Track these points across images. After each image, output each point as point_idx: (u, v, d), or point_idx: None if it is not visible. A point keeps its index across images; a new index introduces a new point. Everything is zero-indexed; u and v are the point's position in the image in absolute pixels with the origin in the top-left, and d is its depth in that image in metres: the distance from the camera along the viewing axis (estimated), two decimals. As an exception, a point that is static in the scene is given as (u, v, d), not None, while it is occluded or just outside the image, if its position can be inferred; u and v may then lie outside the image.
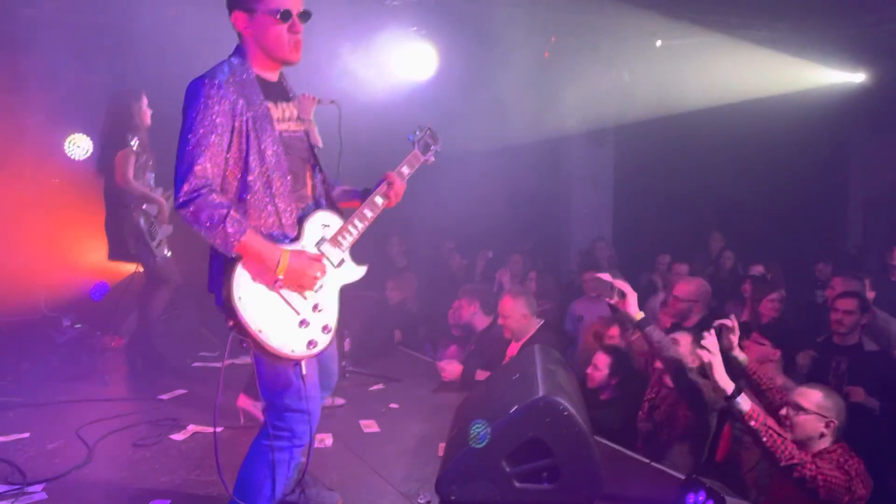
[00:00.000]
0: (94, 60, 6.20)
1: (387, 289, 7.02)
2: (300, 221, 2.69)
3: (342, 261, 2.75)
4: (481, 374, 4.96)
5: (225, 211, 2.44)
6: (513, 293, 5.12)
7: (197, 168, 2.46)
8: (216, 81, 2.52)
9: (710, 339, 3.22)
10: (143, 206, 5.20)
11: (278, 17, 2.55)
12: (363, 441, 4.16)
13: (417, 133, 3.07)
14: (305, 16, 2.62)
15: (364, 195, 2.91)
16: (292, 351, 2.56)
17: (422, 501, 3.31)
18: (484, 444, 3.08)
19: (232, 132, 2.54)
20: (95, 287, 6.19)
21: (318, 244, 2.70)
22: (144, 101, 5.25)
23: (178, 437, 4.11)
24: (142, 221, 5.18)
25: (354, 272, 2.80)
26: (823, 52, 8.00)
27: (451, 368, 5.14)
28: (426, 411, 4.68)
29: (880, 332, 5.26)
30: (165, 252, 5.37)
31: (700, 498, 2.98)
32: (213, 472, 3.58)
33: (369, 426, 4.38)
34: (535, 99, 7.60)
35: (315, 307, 2.63)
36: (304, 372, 2.62)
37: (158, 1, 5.87)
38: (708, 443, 3.98)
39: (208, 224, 2.43)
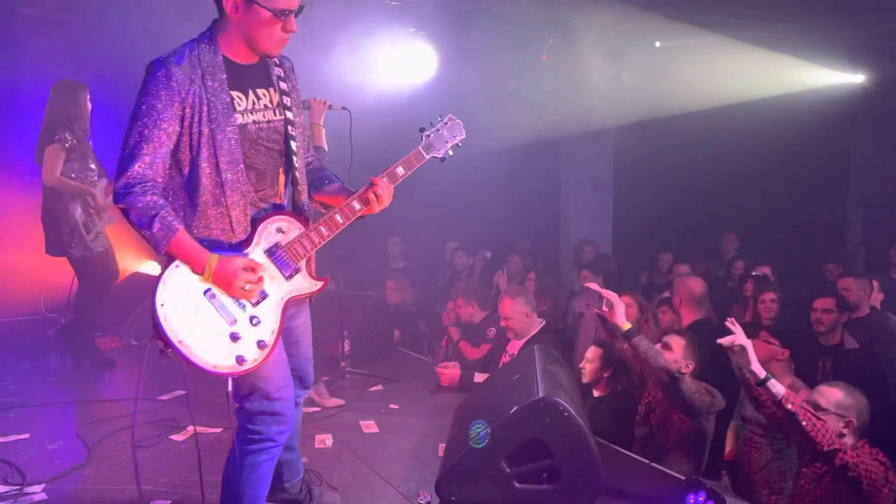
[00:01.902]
0: (93, 60, 6.19)
1: (386, 289, 7.03)
2: (254, 224, 2.51)
3: (296, 271, 2.53)
4: (479, 377, 4.96)
5: (154, 212, 2.32)
6: (511, 293, 5.11)
7: (135, 166, 2.33)
8: (168, 68, 2.35)
9: (736, 328, 3.19)
10: (75, 202, 5.11)
11: (280, 16, 2.39)
12: (363, 441, 4.16)
13: (433, 125, 2.82)
14: (300, 10, 2.46)
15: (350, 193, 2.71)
16: (215, 367, 2.37)
17: (422, 502, 3.30)
18: (484, 444, 3.08)
19: (181, 123, 2.38)
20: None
21: (270, 251, 2.50)
22: (85, 92, 5.19)
23: (178, 437, 4.11)
24: (78, 215, 5.09)
25: (307, 285, 2.57)
26: (823, 53, 8.01)
27: (449, 374, 5.13)
28: (426, 412, 4.68)
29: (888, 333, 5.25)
30: (104, 246, 5.27)
31: (700, 498, 2.98)
32: (213, 472, 3.58)
33: (369, 426, 4.38)
34: (534, 99, 7.60)
35: (252, 320, 2.43)
36: (229, 389, 2.47)
37: (159, 1, 5.88)
38: (707, 447, 3.97)
39: (137, 223, 2.35)
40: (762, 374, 3.08)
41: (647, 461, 3.83)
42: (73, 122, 5.10)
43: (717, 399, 3.91)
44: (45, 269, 6.46)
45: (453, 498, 3.12)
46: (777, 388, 3.03)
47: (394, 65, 7.09)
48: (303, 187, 2.67)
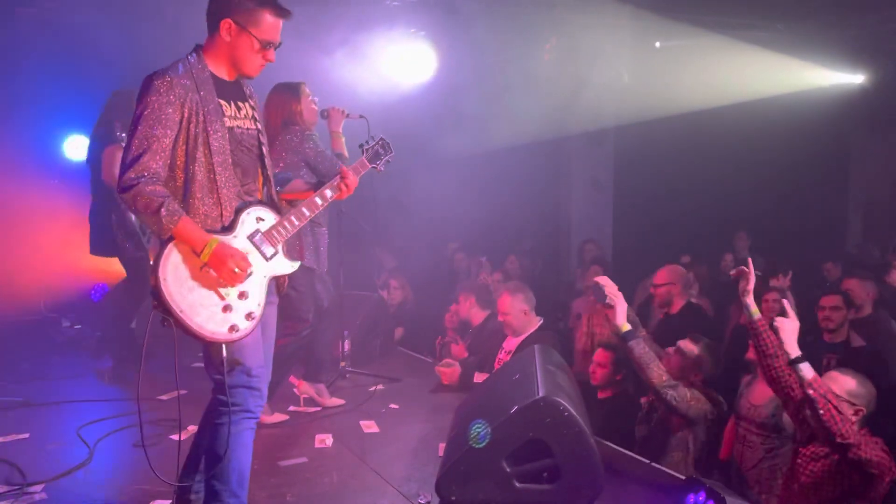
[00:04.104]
0: (93, 61, 6.20)
1: (389, 288, 7.04)
2: (237, 213, 2.82)
3: (274, 254, 2.85)
4: (480, 377, 4.96)
5: (162, 199, 2.59)
6: (511, 290, 5.10)
7: (142, 159, 2.61)
8: (168, 76, 2.68)
9: (789, 310, 3.16)
10: None
11: (265, 46, 2.78)
12: (363, 441, 4.16)
13: (370, 142, 3.34)
14: (279, 45, 2.85)
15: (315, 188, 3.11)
16: (212, 333, 2.67)
17: (422, 501, 3.31)
18: (484, 444, 3.08)
19: (180, 125, 2.68)
20: (95, 288, 6.19)
21: (252, 236, 2.82)
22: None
23: (178, 437, 4.11)
24: (133, 216, 5.11)
25: (285, 266, 2.90)
26: (823, 53, 8.01)
27: (450, 372, 5.13)
28: (426, 411, 4.68)
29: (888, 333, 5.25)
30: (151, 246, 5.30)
31: (700, 498, 2.98)
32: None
33: (369, 426, 4.38)
34: (534, 99, 7.61)
35: (241, 294, 2.74)
36: (223, 354, 2.72)
37: (159, 0, 5.87)
38: (698, 449, 3.96)
39: (144, 209, 2.60)
40: (794, 353, 3.06)
41: (648, 461, 3.83)
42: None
43: (718, 407, 3.90)
44: (45, 269, 6.48)
45: (453, 498, 3.12)
46: (806, 371, 3.00)
47: (394, 65, 7.09)
48: (273, 184, 3.05)
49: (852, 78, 8.58)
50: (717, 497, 2.93)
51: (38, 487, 3.42)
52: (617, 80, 8.05)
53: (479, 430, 3.11)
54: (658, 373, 3.81)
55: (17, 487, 3.40)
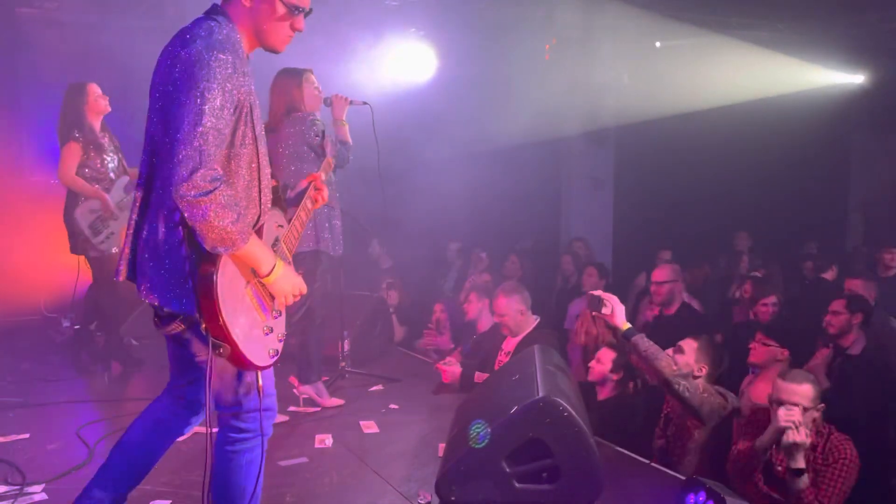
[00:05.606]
0: (93, 60, 6.20)
1: (395, 288, 7.04)
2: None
3: (289, 263, 2.54)
4: (480, 377, 4.96)
5: (241, 211, 2.18)
6: (506, 291, 5.10)
7: (214, 159, 2.13)
8: (234, 55, 2.20)
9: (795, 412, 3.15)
10: (88, 203, 5.07)
11: (293, 12, 2.33)
12: (363, 441, 4.16)
13: (320, 134, 3.25)
14: (309, 12, 2.42)
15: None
16: (258, 362, 2.31)
17: (422, 502, 3.30)
18: (484, 444, 3.08)
19: (233, 117, 2.22)
20: (95, 287, 6.17)
21: (274, 245, 2.50)
22: (92, 91, 5.12)
23: (179, 437, 4.10)
24: (83, 217, 5.07)
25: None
26: (823, 53, 8.03)
27: (451, 371, 5.13)
28: (426, 412, 4.68)
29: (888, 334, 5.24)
30: (113, 248, 5.22)
31: (700, 498, 2.98)
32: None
33: (369, 427, 4.38)
34: (535, 99, 7.62)
35: (275, 314, 2.43)
36: (259, 383, 2.41)
37: (158, 0, 5.89)
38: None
39: (216, 222, 2.11)
40: (796, 466, 3.13)
41: (647, 461, 3.82)
42: (80, 122, 5.08)
43: (728, 402, 3.88)
44: (45, 269, 6.47)
45: (453, 498, 3.12)
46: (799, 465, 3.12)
47: (394, 64, 7.10)
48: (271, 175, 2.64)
49: (852, 78, 8.60)
50: (717, 497, 2.93)
51: (38, 487, 3.41)
52: (617, 80, 8.06)
53: (479, 430, 3.10)
54: (668, 362, 3.78)
55: (16, 487, 3.40)
